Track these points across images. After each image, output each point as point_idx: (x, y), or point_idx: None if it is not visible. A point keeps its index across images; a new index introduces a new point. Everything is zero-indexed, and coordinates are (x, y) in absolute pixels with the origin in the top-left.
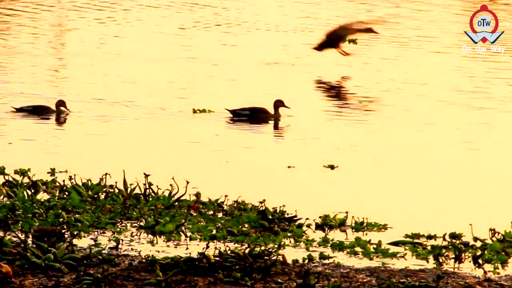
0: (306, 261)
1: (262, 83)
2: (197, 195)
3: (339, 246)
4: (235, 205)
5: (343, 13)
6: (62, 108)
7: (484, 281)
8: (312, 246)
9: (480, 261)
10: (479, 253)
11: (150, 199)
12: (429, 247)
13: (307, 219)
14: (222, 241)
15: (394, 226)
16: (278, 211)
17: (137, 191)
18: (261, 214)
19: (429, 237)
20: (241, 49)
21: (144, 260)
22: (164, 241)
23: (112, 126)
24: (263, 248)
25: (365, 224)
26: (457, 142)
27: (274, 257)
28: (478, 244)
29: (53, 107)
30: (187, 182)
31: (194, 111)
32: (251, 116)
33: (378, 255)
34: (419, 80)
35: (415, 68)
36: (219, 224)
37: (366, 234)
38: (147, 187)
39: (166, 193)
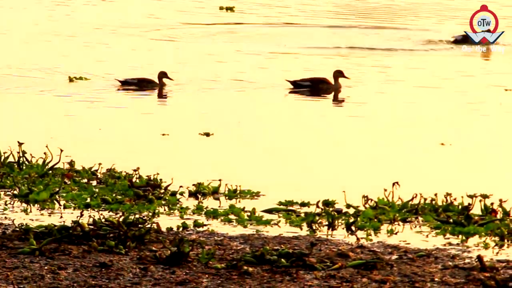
0: (181, 229)
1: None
2: (71, 163)
3: (213, 214)
4: (108, 173)
5: None
6: (165, 79)
7: (357, 247)
8: (186, 214)
9: (353, 228)
10: (352, 220)
11: (24, 167)
12: (302, 215)
13: (180, 186)
14: (96, 209)
15: (267, 194)
16: (152, 178)
17: (10, 159)
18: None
19: (303, 204)
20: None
21: (17, 229)
22: (38, 209)
23: None
24: (137, 216)
25: (238, 191)
26: (329, 109)
27: (149, 225)
28: (351, 211)
29: (156, 80)
30: (61, 151)
31: (70, 80)
32: (312, 87)
33: (252, 223)
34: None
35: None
36: (93, 193)
37: (240, 202)
38: (21, 155)
39: (40, 162)
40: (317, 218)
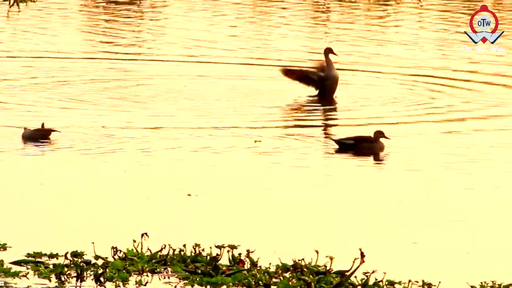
0: None
1: None
2: None
3: None
4: None
5: None
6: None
7: None
8: None
9: (102, 279)
10: (100, 271)
11: None
12: (51, 266)
13: None
14: None
15: (14, 245)
16: None
17: None
18: None
19: (51, 255)
20: None
21: None
22: None
23: None
24: None
25: None
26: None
27: None
28: (100, 262)
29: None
30: None
31: None
32: (355, 145)
33: (0, 275)
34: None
35: None
36: None
37: None
38: None
39: None
40: (65, 269)
